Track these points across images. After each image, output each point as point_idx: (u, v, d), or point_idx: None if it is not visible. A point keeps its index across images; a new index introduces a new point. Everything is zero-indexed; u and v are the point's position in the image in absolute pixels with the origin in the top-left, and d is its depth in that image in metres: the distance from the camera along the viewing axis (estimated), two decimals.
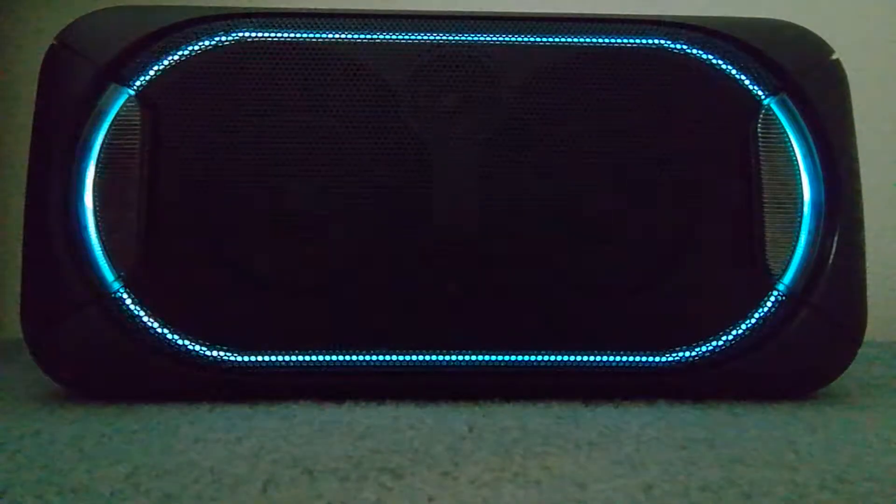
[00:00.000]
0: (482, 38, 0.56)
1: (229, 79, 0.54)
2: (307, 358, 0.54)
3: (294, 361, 0.54)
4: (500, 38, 0.56)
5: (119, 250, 0.53)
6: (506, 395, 0.55)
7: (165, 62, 0.54)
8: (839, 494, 0.36)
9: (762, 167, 0.55)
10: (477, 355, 0.54)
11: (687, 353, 0.55)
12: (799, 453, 0.42)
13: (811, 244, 0.55)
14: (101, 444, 0.43)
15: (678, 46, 0.57)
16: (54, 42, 0.55)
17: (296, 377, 0.54)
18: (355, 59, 0.55)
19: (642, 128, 0.56)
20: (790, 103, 0.56)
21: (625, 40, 0.56)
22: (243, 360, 0.53)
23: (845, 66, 0.57)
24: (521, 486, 0.37)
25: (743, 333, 0.55)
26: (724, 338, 0.55)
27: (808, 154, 0.56)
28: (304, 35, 0.55)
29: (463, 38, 0.56)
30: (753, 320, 0.55)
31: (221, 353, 0.53)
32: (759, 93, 0.56)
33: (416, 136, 0.55)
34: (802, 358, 0.55)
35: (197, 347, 0.53)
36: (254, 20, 0.55)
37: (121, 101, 0.54)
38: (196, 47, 0.55)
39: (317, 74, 0.55)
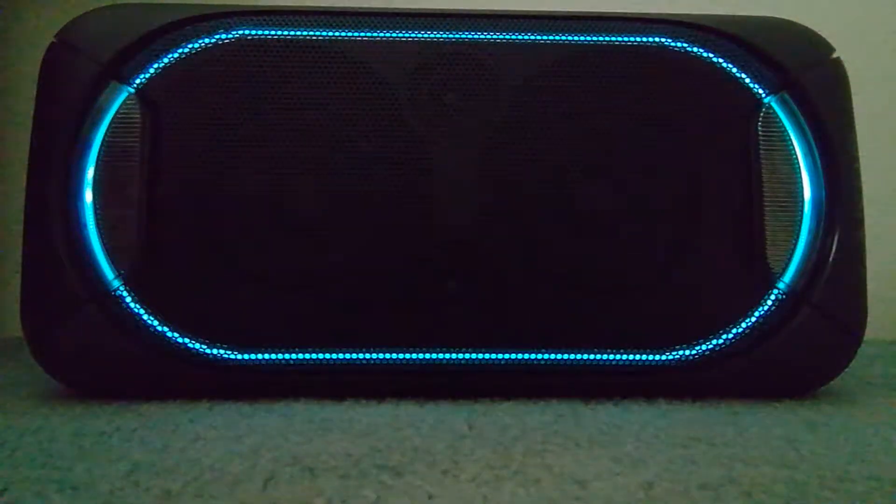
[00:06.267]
0: (483, 37, 0.56)
1: (229, 77, 0.54)
2: (307, 356, 0.54)
3: (294, 359, 0.54)
4: (501, 37, 0.56)
5: (119, 248, 0.53)
6: (506, 393, 0.55)
7: (166, 60, 0.54)
8: (839, 493, 0.36)
9: (763, 165, 0.55)
10: (477, 353, 0.54)
11: (687, 352, 0.55)
12: (799, 452, 0.42)
13: (811, 243, 0.55)
14: (101, 442, 0.43)
15: (679, 45, 0.57)
16: (54, 40, 0.55)
17: (296, 375, 0.54)
18: (355, 57, 0.55)
19: (643, 126, 0.56)
20: (791, 102, 0.56)
21: (625, 38, 0.56)
22: (243, 359, 0.53)
23: (846, 64, 0.57)
24: (522, 484, 0.37)
25: (743, 332, 0.55)
26: (724, 336, 0.55)
27: (809, 153, 0.56)
28: (305, 33, 0.55)
29: (463, 36, 0.56)
30: (753, 319, 0.55)
31: (221, 352, 0.53)
32: (760, 91, 0.56)
33: (416, 135, 0.54)
34: (802, 356, 0.55)
35: (197, 345, 0.53)
36: (254, 18, 0.55)
37: (121, 99, 0.54)
38: (196, 45, 0.55)
39: (317, 72, 0.55)
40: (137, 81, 0.54)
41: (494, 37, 0.56)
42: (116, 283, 0.53)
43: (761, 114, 0.56)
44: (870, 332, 0.56)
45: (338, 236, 0.54)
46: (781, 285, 0.55)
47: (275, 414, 0.50)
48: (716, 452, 0.42)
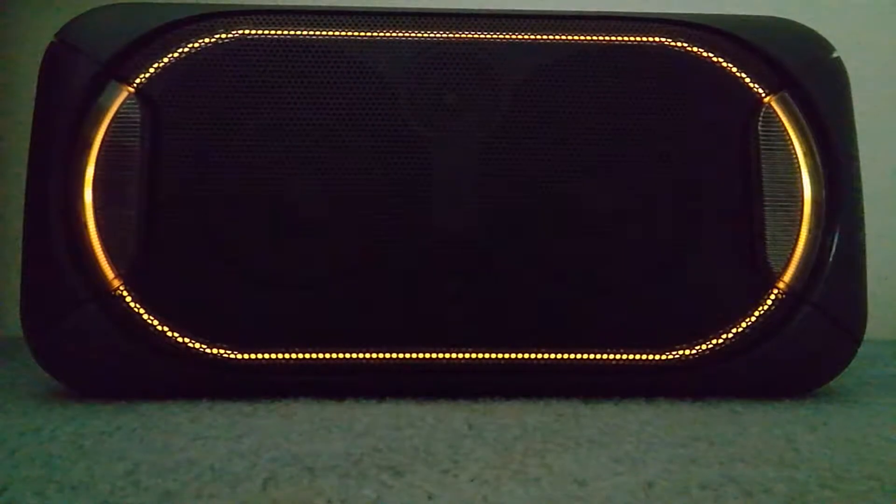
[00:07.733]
0: (482, 36, 0.56)
1: (229, 76, 0.54)
2: (307, 356, 0.54)
3: (294, 359, 0.54)
4: (500, 36, 0.56)
5: (119, 248, 0.53)
6: (506, 392, 0.55)
7: (165, 59, 0.54)
8: (839, 492, 0.36)
9: (763, 165, 0.56)
10: (477, 353, 0.54)
11: (687, 352, 0.55)
12: (799, 451, 0.42)
13: (811, 243, 0.55)
14: (101, 442, 0.43)
15: (679, 44, 0.57)
16: (54, 39, 0.55)
17: (296, 375, 0.54)
18: (355, 57, 0.55)
19: (642, 126, 0.56)
20: (791, 101, 0.56)
21: (625, 38, 0.56)
22: (243, 358, 0.53)
23: (846, 64, 0.57)
24: (521, 484, 0.37)
25: (743, 332, 0.55)
26: (724, 336, 0.55)
27: (809, 152, 0.56)
28: (305, 32, 0.55)
29: (463, 35, 0.56)
30: (754, 318, 0.55)
31: (221, 351, 0.53)
32: (760, 90, 0.56)
33: (416, 134, 0.55)
34: (802, 356, 0.55)
35: (196, 345, 0.53)
36: (254, 17, 0.55)
37: (121, 99, 0.54)
38: (196, 44, 0.55)
39: (317, 72, 0.55)
40: (137, 81, 0.54)
41: (494, 37, 0.56)
42: (116, 283, 0.53)
43: (761, 113, 0.56)
44: (870, 332, 0.56)
45: (338, 236, 0.54)
46: (781, 285, 0.55)
47: (274, 414, 0.50)
48: (716, 452, 0.42)
